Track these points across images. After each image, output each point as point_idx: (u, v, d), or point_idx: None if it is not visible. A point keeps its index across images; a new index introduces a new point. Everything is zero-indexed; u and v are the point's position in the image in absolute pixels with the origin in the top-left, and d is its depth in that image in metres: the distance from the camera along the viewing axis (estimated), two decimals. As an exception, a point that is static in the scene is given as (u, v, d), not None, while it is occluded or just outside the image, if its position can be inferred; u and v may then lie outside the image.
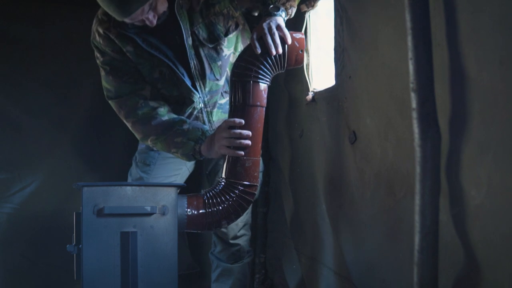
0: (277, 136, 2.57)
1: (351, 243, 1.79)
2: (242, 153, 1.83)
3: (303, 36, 1.87)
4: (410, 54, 1.21)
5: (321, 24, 2.13)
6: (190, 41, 2.01)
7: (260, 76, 1.82)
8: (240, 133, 1.82)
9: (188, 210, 1.80)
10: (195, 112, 2.14)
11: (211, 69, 2.07)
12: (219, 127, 1.88)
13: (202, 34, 2.02)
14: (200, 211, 1.82)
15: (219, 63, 2.08)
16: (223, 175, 1.89)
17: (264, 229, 2.72)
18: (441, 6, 1.19)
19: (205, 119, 2.17)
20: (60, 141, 2.73)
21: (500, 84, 1.04)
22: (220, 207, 1.84)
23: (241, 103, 1.84)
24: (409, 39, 1.21)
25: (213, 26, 2.02)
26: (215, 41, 2.04)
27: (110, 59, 2.04)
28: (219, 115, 2.20)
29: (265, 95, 1.87)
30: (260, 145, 1.90)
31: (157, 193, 1.71)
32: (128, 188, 1.69)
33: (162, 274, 1.70)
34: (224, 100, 2.20)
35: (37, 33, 2.65)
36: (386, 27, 1.47)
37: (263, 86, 1.85)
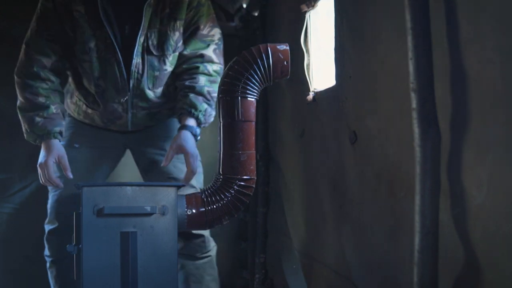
0: (277, 136, 2.57)
1: (351, 242, 1.79)
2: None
3: (287, 48, 1.84)
4: (410, 54, 1.21)
5: (321, 24, 2.13)
6: (142, 39, 1.99)
7: (247, 91, 1.82)
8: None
9: (188, 209, 1.80)
10: (116, 106, 2.09)
11: (147, 76, 2.04)
12: (47, 164, 2.02)
13: (153, 40, 2.01)
14: (200, 210, 1.82)
15: (157, 73, 2.05)
16: (220, 171, 1.89)
17: (264, 229, 2.72)
18: (441, 6, 1.19)
19: (129, 118, 2.13)
20: (60, 141, 2.72)
21: (500, 84, 1.04)
22: (220, 204, 1.84)
23: (230, 120, 1.83)
24: (409, 39, 1.21)
25: (166, 37, 2.01)
26: (161, 52, 2.04)
27: (53, 7, 1.99)
28: (144, 120, 2.16)
29: (253, 110, 1.86)
30: (253, 139, 1.89)
31: (157, 193, 1.71)
32: (128, 188, 1.69)
33: (162, 274, 1.70)
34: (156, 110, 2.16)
35: (37, 33, 2.64)
36: (386, 27, 1.47)
37: (251, 100, 1.85)
